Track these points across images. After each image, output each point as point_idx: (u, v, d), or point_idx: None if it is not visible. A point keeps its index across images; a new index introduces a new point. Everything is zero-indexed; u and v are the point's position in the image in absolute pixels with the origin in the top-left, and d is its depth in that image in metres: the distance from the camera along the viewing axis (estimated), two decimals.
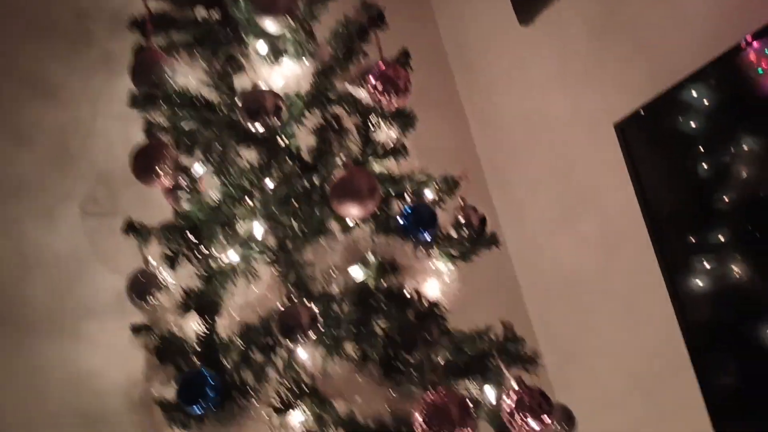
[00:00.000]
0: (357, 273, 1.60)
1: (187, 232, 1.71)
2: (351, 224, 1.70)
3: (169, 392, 1.65)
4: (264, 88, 1.69)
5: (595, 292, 2.67)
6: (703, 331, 2.20)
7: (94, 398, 1.93)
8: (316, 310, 1.50)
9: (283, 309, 1.50)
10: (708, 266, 2.19)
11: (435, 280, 1.68)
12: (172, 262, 1.70)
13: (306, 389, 1.45)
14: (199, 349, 1.62)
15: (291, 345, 1.51)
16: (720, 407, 2.10)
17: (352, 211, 1.59)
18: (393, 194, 1.82)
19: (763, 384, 2.06)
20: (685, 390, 2.38)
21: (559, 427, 1.71)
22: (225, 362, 1.61)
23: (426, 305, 1.55)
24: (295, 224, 1.67)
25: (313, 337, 1.48)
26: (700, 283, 2.21)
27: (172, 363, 1.66)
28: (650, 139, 2.36)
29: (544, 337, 2.74)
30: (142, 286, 1.72)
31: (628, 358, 2.56)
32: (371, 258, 1.59)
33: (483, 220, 1.95)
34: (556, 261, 2.79)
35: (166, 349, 1.67)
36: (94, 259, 2.06)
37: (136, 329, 1.75)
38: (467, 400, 1.40)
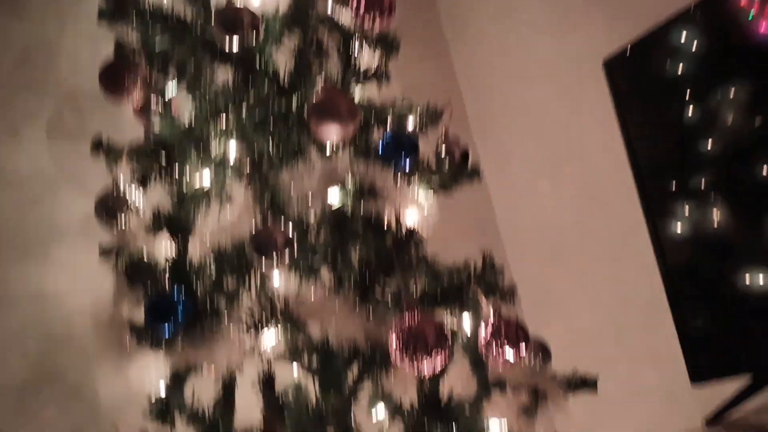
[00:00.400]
0: (334, 197, 1.55)
1: (159, 152, 1.65)
2: (329, 148, 1.64)
3: (139, 314, 1.61)
4: (240, 5, 1.62)
5: (575, 234, 2.66)
6: (682, 275, 2.20)
7: (60, 320, 1.89)
8: (291, 232, 1.45)
9: (257, 229, 1.46)
10: (691, 212, 2.19)
11: (414, 208, 1.64)
12: (143, 182, 1.65)
13: (279, 312, 1.41)
14: (169, 272, 1.57)
15: (264, 266, 1.47)
16: (695, 351, 2.11)
17: (331, 133, 1.54)
18: (374, 121, 1.76)
19: (738, 329, 2.07)
20: (659, 334, 2.39)
21: (534, 360, 1.70)
22: (196, 285, 1.56)
23: (404, 231, 1.51)
24: (271, 147, 1.61)
25: (287, 259, 1.44)
26: (682, 228, 2.20)
27: (142, 285, 1.61)
28: (637, 80, 2.32)
29: (521, 279, 2.70)
30: (111, 205, 1.65)
31: (605, 301, 2.57)
32: (349, 182, 1.54)
33: (465, 153, 1.91)
34: (537, 203, 2.77)
35: (135, 271, 1.62)
36: (61, 180, 2.00)
37: (105, 251, 1.69)
38: (443, 323, 1.38)
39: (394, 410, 1.59)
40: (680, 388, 2.22)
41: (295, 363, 1.61)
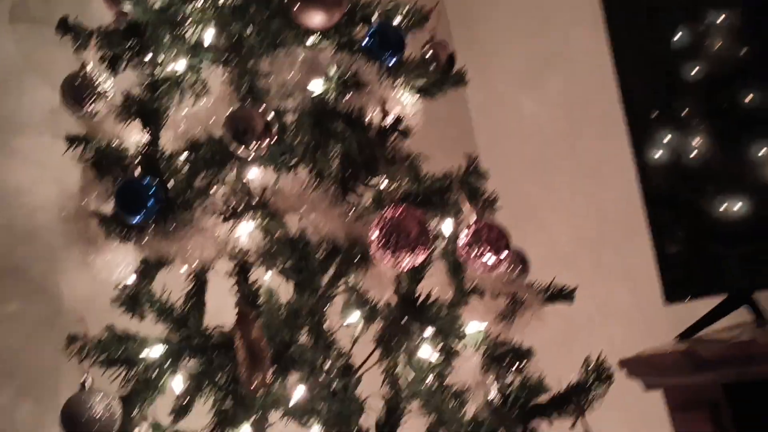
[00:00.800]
0: (316, 86, 1.47)
1: (130, 35, 1.55)
2: (311, 37, 1.57)
3: (107, 207, 1.54)
4: None
5: (556, 153, 2.63)
6: (663, 199, 2.20)
7: (23, 214, 1.81)
8: (271, 117, 1.38)
9: (234, 113, 1.39)
10: (675, 136, 2.17)
11: (398, 106, 1.58)
12: (113, 65, 1.56)
13: (255, 202, 1.35)
14: (140, 162, 1.50)
15: (241, 153, 1.40)
16: (671, 272, 2.12)
17: (315, 19, 1.46)
18: (358, 17, 1.68)
19: (716, 252, 2.09)
20: (634, 255, 2.40)
21: (513, 268, 1.67)
22: (169, 176, 1.49)
23: (388, 126, 1.45)
24: (250, 33, 1.53)
25: (265, 146, 1.38)
26: (666, 153, 2.19)
27: (111, 176, 1.53)
28: None
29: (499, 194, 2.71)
30: (78, 89, 1.56)
31: (584, 221, 2.56)
32: (332, 72, 1.47)
33: (451, 57, 1.85)
34: (518, 119, 2.73)
35: (104, 161, 1.54)
36: (25, 68, 1.89)
37: (72, 140, 1.61)
38: (426, 219, 1.33)
39: (370, 312, 1.56)
40: (653, 309, 2.24)
41: (269, 266, 1.56)
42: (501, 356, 1.52)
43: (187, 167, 1.50)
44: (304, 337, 1.52)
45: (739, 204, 2.09)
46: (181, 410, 1.47)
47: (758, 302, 2.00)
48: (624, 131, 2.26)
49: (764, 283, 2.00)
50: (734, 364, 1.75)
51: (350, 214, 1.41)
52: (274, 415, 1.50)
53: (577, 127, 2.58)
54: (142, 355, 1.48)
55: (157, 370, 1.46)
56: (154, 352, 1.48)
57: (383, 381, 1.51)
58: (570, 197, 2.61)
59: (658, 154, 2.21)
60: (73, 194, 1.59)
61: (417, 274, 1.48)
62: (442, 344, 1.52)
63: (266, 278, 1.63)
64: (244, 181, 1.45)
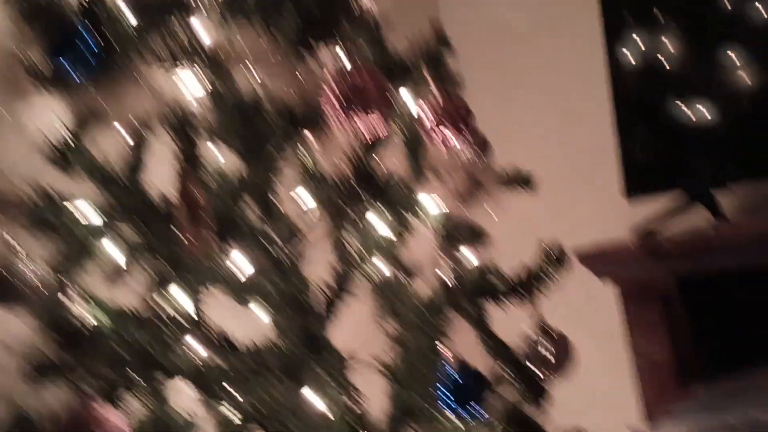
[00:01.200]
0: None
1: None
2: None
3: (38, 57, 1.40)
4: None
5: (527, 52, 2.56)
6: (631, 100, 2.18)
7: None
8: None
9: None
10: (647, 41, 2.14)
11: None
12: None
13: (201, 52, 1.24)
14: (79, 14, 1.36)
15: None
16: (633, 168, 2.12)
17: None
18: None
19: (677, 152, 2.09)
20: (598, 154, 2.39)
21: (474, 150, 1.60)
22: (107, 27, 1.35)
23: None
24: None
25: None
26: (637, 57, 2.16)
27: (44, 24, 1.39)
28: None
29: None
30: None
31: (549, 118, 2.53)
32: None
33: None
34: (490, 18, 2.63)
35: (38, 12, 1.39)
36: None
37: None
38: (388, 84, 1.24)
39: (322, 185, 1.47)
40: (614, 206, 2.24)
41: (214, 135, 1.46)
42: (457, 236, 1.47)
43: (127, 16, 1.37)
44: (251, 211, 1.44)
45: (704, 105, 2.08)
46: (114, 276, 1.39)
47: (716, 199, 2.00)
48: (598, 31, 2.21)
49: (723, 181, 2.00)
50: (689, 256, 1.75)
51: (306, 75, 1.31)
52: (215, 291, 1.43)
53: (549, 24, 2.51)
54: (75, 219, 1.38)
55: (90, 235, 1.36)
56: (89, 215, 1.38)
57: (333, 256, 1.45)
58: (538, 96, 2.57)
59: (630, 54, 2.18)
60: (1, 44, 1.45)
61: (374, 146, 1.40)
62: (396, 221, 1.45)
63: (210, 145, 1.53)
64: (191, 29, 1.33)
